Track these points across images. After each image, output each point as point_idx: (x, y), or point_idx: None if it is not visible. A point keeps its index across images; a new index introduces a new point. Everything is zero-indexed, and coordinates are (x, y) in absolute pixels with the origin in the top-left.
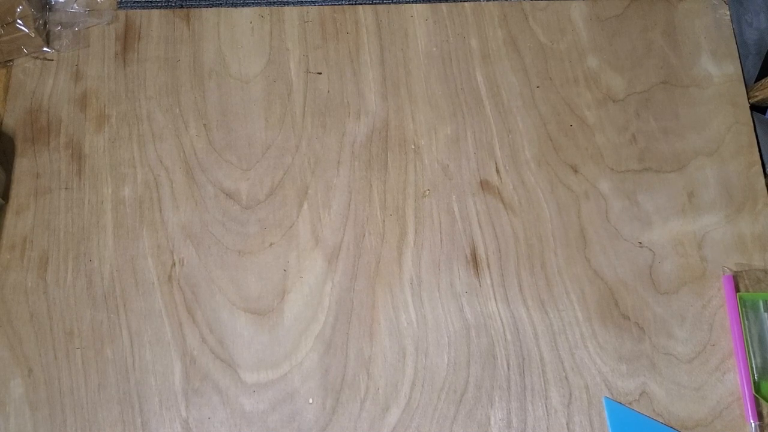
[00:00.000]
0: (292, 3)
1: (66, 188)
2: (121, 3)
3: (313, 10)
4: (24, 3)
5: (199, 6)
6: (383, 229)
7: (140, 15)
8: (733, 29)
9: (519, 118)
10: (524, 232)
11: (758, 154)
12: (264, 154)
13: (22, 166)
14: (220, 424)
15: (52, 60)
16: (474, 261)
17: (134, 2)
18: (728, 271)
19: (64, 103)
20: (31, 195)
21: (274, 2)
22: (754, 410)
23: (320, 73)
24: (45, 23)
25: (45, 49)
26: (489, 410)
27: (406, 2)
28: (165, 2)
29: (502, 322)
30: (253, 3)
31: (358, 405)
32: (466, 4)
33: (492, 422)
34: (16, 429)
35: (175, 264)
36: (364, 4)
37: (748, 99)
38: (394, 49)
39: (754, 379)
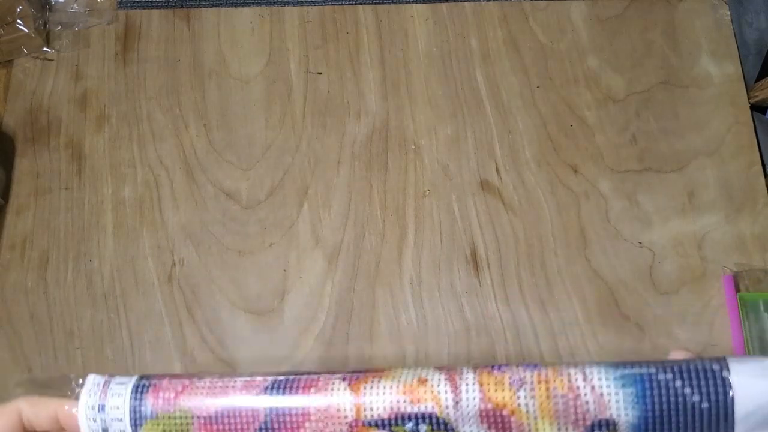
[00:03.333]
0: (292, 3)
1: (66, 188)
2: (120, 3)
3: (313, 10)
4: (24, 3)
5: (199, 6)
6: (383, 229)
7: (140, 15)
8: (733, 29)
9: (519, 118)
10: (524, 232)
11: (758, 154)
12: (264, 154)
13: (22, 166)
14: None
15: (52, 60)
16: (474, 261)
17: (134, 2)
18: (728, 271)
19: (64, 103)
20: (31, 195)
21: (274, 2)
22: None
23: (320, 73)
24: (45, 23)
25: (45, 49)
26: None
27: (406, 2)
28: (165, 2)
29: (502, 323)
30: (253, 3)
31: None
32: (466, 4)
33: None
34: None
35: (175, 264)
36: (364, 4)
37: (748, 99)
38: (394, 49)
39: None
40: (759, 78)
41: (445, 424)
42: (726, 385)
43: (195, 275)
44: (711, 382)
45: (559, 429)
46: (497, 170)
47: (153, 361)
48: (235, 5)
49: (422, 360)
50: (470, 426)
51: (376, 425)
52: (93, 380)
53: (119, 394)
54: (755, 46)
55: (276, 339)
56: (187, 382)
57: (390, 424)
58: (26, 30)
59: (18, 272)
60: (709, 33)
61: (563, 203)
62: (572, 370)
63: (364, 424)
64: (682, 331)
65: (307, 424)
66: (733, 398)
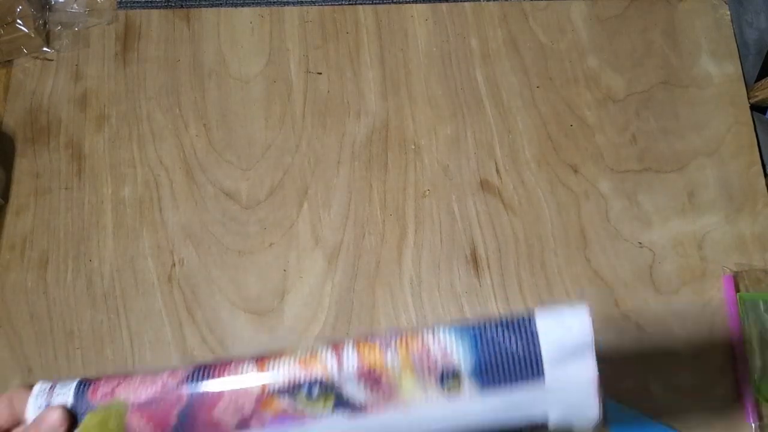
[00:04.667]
0: (292, 3)
1: (66, 188)
2: (120, 3)
3: (313, 10)
4: (24, 3)
5: (199, 6)
6: (383, 229)
7: (140, 15)
8: (733, 29)
9: (519, 118)
10: (524, 232)
11: (758, 154)
12: (264, 154)
13: (21, 166)
14: None
15: (52, 60)
16: (474, 261)
17: (134, 2)
18: (728, 271)
19: (63, 103)
20: (31, 195)
21: (274, 2)
22: (754, 410)
23: (320, 73)
24: (45, 23)
25: (45, 49)
26: None
27: (406, 2)
28: (165, 2)
29: None
30: (253, 3)
31: None
32: (466, 4)
33: None
34: None
35: (175, 264)
36: (364, 4)
37: (748, 99)
38: (394, 49)
39: (754, 380)
40: (759, 78)
41: (332, 386)
42: (533, 332)
43: (195, 275)
44: (522, 330)
45: (417, 378)
46: (497, 170)
47: (153, 361)
48: (235, 5)
49: None
50: (351, 385)
51: (279, 394)
52: (40, 386)
53: (63, 394)
54: (755, 45)
55: (276, 339)
56: (122, 378)
57: (290, 392)
58: (26, 30)
59: (18, 272)
60: (709, 33)
61: (563, 203)
62: (425, 332)
63: (269, 394)
64: (682, 331)
65: (220, 403)
66: (538, 338)
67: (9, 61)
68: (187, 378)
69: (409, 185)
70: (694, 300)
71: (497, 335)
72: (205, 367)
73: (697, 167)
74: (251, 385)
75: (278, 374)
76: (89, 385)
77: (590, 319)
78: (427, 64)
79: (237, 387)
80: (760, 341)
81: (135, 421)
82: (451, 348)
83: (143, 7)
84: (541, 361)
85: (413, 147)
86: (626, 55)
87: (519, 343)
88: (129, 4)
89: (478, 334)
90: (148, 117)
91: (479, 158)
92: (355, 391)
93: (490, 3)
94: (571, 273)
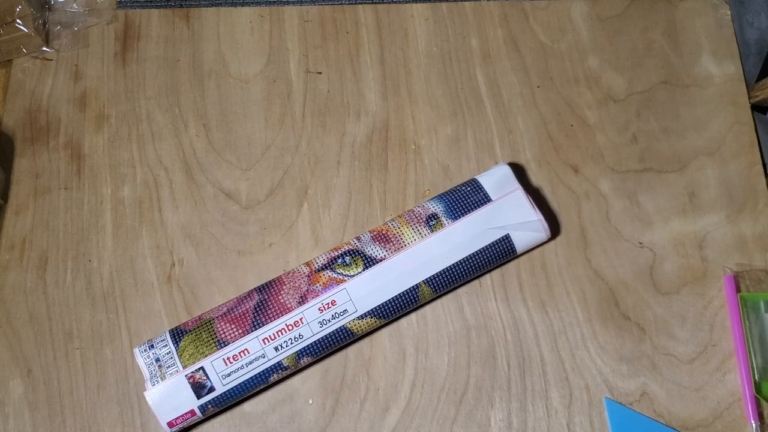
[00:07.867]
0: (292, 3)
1: (65, 188)
2: (120, 2)
3: (312, 10)
4: (23, 2)
5: (198, 6)
6: None
7: (140, 14)
8: (734, 29)
9: (519, 118)
10: None
11: (759, 154)
12: (264, 154)
13: (21, 166)
14: (219, 425)
15: (52, 60)
16: None
17: (134, 2)
18: (729, 271)
19: (63, 102)
20: (31, 195)
21: (274, 2)
22: (755, 411)
23: (320, 73)
24: (44, 23)
25: (44, 48)
26: (489, 411)
27: (406, 2)
28: (164, 2)
29: (502, 323)
30: (253, 3)
31: (357, 405)
32: (466, 3)
33: (492, 423)
34: (15, 429)
35: (174, 264)
36: (364, 3)
37: (749, 99)
38: (394, 48)
39: (754, 380)
40: (760, 78)
41: (358, 251)
42: (476, 181)
43: (194, 275)
44: (469, 183)
45: (412, 228)
46: None
47: None
48: (235, 5)
49: (422, 360)
50: (370, 247)
51: (323, 269)
52: (140, 347)
53: (163, 340)
54: (756, 45)
55: None
56: (203, 312)
57: (330, 266)
58: (25, 29)
59: (17, 273)
60: (710, 32)
61: (563, 203)
62: (415, 207)
63: (316, 272)
64: (683, 332)
65: (283, 288)
66: (480, 183)
67: (8, 60)
68: (256, 288)
69: (409, 185)
70: (694, 300)
71: (456, 191)
72: (268, 282)
73: (697, 167)
74: (302, 269)
75: (320, 258)
76: (179, 326)
77: (508, 166)
78: (427, 64)
79: (293, 273)
80: (760, 341)
81: (221, 327)
82: (428, 205)
83: (143, 7)
84: (485, 191)
85: (413, 147)
86: (627, 54)
87: (469, 189)
88: (128, 4)
89: (443, 194)
90: (148, 117)
91: (479, 158)
92: (374, 249)
93: (491, 2)
94: (571, 273)
